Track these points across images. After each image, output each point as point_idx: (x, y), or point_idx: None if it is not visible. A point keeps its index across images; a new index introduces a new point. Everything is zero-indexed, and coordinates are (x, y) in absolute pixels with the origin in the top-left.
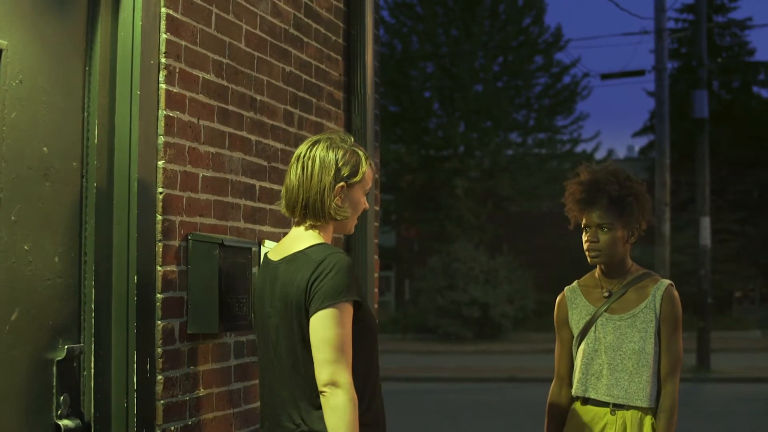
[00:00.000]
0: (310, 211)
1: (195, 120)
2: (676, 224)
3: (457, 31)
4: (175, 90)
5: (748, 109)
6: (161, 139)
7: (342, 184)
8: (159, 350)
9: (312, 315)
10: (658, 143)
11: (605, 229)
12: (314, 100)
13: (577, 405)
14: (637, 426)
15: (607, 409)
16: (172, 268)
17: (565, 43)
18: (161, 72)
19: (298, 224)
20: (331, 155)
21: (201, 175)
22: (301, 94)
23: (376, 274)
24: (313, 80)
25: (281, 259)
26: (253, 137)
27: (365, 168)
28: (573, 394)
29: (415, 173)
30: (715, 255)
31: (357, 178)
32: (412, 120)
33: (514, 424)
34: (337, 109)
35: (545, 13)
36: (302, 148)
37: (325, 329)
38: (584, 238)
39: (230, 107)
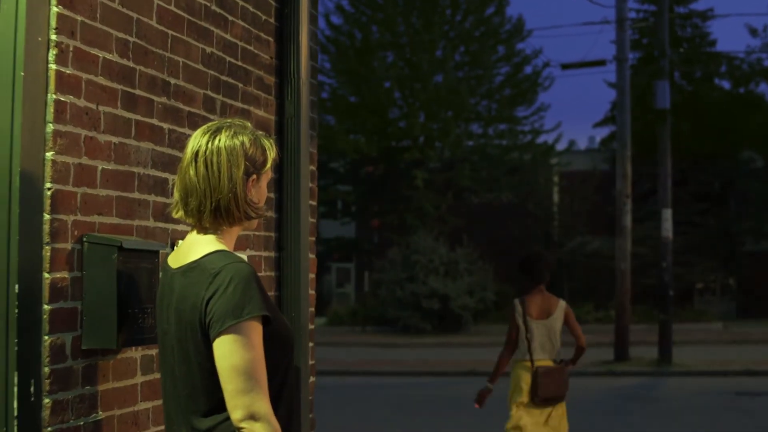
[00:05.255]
0: (223, 213)
1: (93, 106)
2: (637, 216)
3: (417, 21)
4: (68, 71)
5: (709, 100)
6: (50, 127)
7: (253, 176)
8: (46, 369)
9: (214, 340)
10: (619, 134)
11: None
12: (240, 85)
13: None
14: None
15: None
16: (63, 274)
17: (527, 33)
18: (51, 50)
19: (200, 229)
20: (237, 144)
21: (100, 168)
22: (224, 78)
23: (312, 275)
24: (239, 63)
25: (177, 269)
26: (165, 125)
27: (273, 153)
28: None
29: (375, 164)
30: (676, 247)
31: (266, 168)
32: (371, 110)
33: (473, 419)
34: (267, 95)
35: (507, 4)
36: (199, 140)
37: (232, 355)
38: None
39: (138, 92)
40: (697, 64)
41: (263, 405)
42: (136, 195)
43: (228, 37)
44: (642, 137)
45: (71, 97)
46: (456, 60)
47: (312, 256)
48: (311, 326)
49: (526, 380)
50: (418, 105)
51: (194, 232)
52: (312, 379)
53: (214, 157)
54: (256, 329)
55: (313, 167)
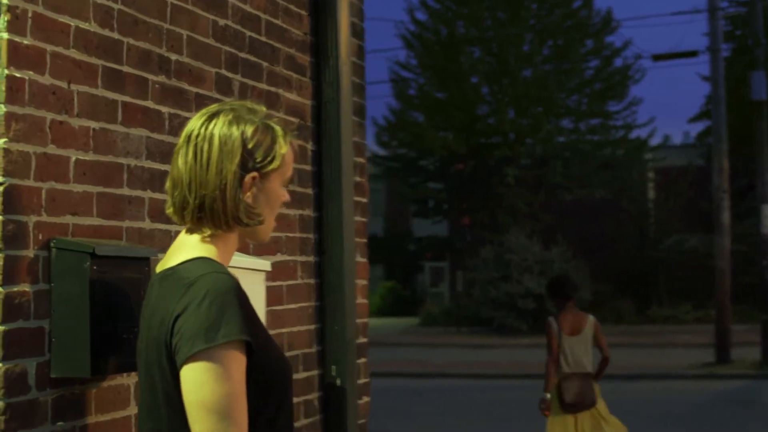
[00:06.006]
0: (207, 214)
1: (63, 84)
2: (735, 212)
3: (503, 15)
4: (26, 42)
5: None
6: (2, 109)
7: (254, 174)
8: (0, 404)
9: (181, 367)
10: (714, 128)
11: None
12: (265, 64)
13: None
14: None
15: None
16: (23, 287)
17: (616, 24)
18: (2, 16)
19: (188, 228)
20: (236, 132)
21: (74, 158)
22: (243, 55)
23: (363, 282)
24: (263, 38)
25: (158, 275)
26: (164, 109)
27: (284, 149)
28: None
29: (464, 161)
30: None
31: (274, 165)
32: (459, 106)
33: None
34: (300, 76)
35: None
36: (194, 123)
37: (202, 388)
38: None
39: (126, 68)
40: None
41: None
42: (125, 191)
43: (247, 8)
44: (738, 131)
45: (31, 72)
46: (544, 54)
47: (362, 259)
48: (363, 339)
49: (555, 391)
50: (507, 101)
51: (184, 232)
52: (365, 399)
53: (205, 145)
54: (234, 358)
55: (361, 159)
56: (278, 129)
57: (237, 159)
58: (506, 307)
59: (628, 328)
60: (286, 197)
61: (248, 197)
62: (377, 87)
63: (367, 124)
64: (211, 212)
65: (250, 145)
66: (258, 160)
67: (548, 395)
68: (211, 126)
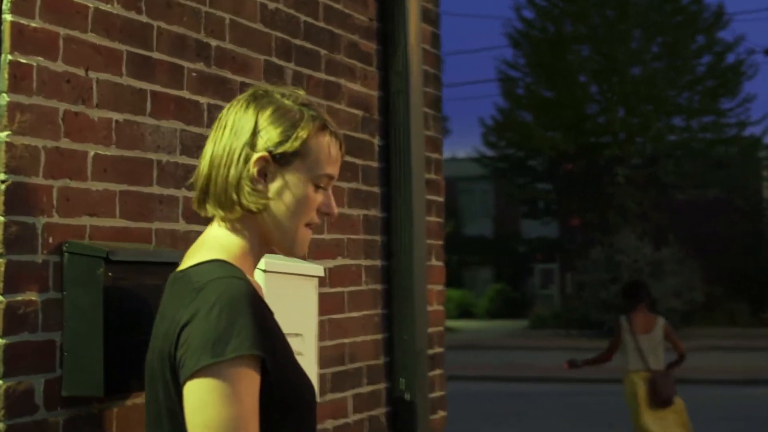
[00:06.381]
0: (210, 193)
1: (80, 71)
2: None
3: (611, 12)
4: (33, 24)
5: None
6: (4, 99)
7: (262, 154)
8: (0, 425)
9: (185, 383)
10: None
11: None
12: (323, 52)
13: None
14: None
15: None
16: (29, 296)
17: (728, 19)
18: None
19: (201, 216)
20: (251, 113)
21: (92, 153)
22: (297, 42)
23: (438, 287)
24: (321, 24)
25: (171, 277)
26: (203, 99)
27: (305, 132)
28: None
29: (573, 161)
30: None
31: (287, 147)
32: (568, 105)
33: None
34: (365, 65)
35: None
36: (226, 108)
37: (206, 409)
38: None
39: (156, 55)
40: None
41: None
42: (154, 189)
43: None
44: None
45: (40, 58)
46: (653, 51)
47: (437, 263)
48: (438, 349)
49: (642, 388)
50: (616, 99)
51: (210, 226)
52: (440, 414)
53: (222, 124)
54: (244, 376)
55: (436, 155)
56: (306, 111)
57: (246, 135)
58: (616, 309)
59: (741, 331)
60: (331, 209)
61: (254, 177)
62: (484, 86)
63: (474, 124)
64: (215, 189)
65: (263, 123)
66: (270, 139)
67: (581, 364)
68: (230, 108)
